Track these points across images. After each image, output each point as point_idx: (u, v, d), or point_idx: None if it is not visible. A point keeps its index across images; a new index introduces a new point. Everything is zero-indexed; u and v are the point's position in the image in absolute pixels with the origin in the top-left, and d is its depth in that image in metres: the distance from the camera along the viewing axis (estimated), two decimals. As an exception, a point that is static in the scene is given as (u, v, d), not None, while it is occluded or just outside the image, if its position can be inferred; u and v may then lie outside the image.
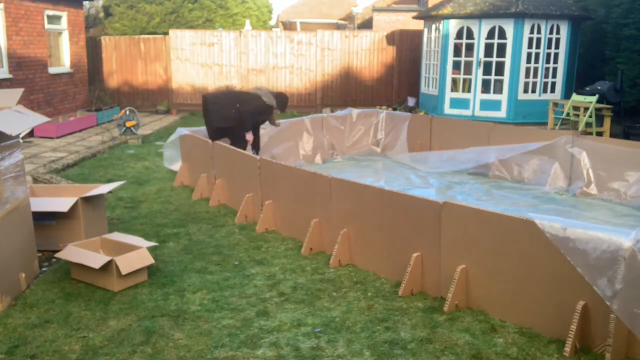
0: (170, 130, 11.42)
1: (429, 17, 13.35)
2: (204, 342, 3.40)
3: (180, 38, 15.15)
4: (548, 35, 12.11)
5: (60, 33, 12.79)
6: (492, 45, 12.26)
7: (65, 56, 12.98)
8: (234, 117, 7.00)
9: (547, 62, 12.23)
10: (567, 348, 3.20)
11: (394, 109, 13.98)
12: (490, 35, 12.23)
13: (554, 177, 7.29)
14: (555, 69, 12.34)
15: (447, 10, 12.53)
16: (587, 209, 6.43)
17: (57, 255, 4.43)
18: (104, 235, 4.72)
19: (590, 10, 13.05)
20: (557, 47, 12.25)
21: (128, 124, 10.36)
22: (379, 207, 4.43)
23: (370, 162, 9.00)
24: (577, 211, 6.29)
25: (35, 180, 7.21)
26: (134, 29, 17.14)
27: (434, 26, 13.35)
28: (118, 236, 4.68)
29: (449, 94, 12.86)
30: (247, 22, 17.56)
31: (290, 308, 3.87)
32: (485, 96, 12.47)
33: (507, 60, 12.10)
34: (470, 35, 12.47)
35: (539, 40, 12.08)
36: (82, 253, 4.30)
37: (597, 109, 9.71)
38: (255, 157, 5.82)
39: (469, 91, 12.66)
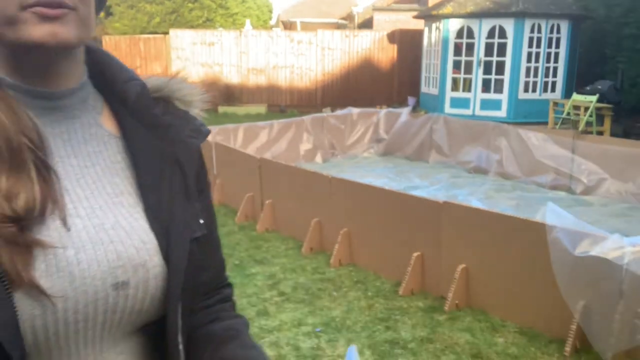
0: (170, 130, 11.41)
1: (430, 16, 13.35)
2: (204, 342, 3.40)
3: (180, 38, 15.16)
4: (548, 35, 12.10)
5: (60, 33, 12.80)
6: (492, 44, 12.25)
7: (65, 56, 12.99)
8: None
9: (548, 61, 12.22)
10: (568, 348, 3.20)
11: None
12: (491, 34, 12.23)
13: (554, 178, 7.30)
14: (555, 69, 12.33)
15: (447, 9, 12.53)
16: (587, 209, 6.42)
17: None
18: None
19: (591, 10, 13.05)
20: (557, 46, 12.24)
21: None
22: (379, 207, 4.43)
23: (370, 161, 9.00)
24: (577, 211, 6.28)
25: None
26: (134, 29, 17.16)
27: (434, 25, 13.34)
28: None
29: (449, 94, 12.86)
30: (248, 21, 17.58)
31: (291, 307, 3.87)
32: (486, 95, 12.46)
33: (508, 59, 12.09)
34: (470, 34, 12.47)
35: (539, 39, 12.07)
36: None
37: (597, 109, 9.70)
38: (255, 157, 5.82)
39: (469, 91, 12.65)
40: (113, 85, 0.82)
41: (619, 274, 3.04)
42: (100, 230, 0.72)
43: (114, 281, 0.70)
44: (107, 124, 0.81)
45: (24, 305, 0.64)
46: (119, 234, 0.73)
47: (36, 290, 0.64)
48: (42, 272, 0.65)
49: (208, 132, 0.87)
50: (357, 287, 4.22)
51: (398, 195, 4.36)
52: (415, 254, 4.07)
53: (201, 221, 0.82)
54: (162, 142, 0.81)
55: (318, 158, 8.82)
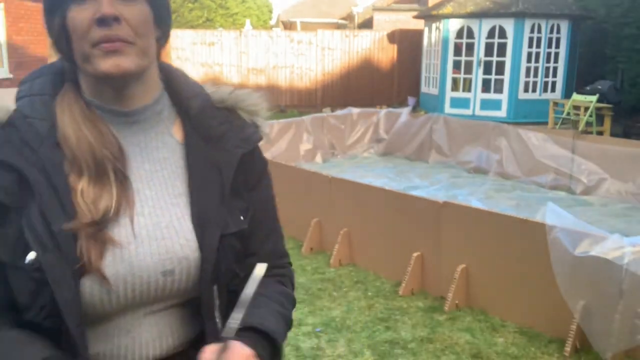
0: (170, 130, 11.41)
1: (430, 16, 13.35)
2: (204, 342, 3.40)
3: (180, 38, 15.15)
4: (548, 35, 12.10)
5: (60, 33, 12.80)
6: (492, 44, 12.25)
7: (65, 56, 12.99)
8: None
9: (548, 61, 12.21)
10: (568, 348, 3.20)
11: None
12: (491, 34, 12.23)
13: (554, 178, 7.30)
14: (555, 69, 12.33)
15: (447, 9, 12.53)
16: (587, 209, 6.42)
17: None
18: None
19: (591, 10, 13.05)
20: (557, 46, 12.24)
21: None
22: (379, 207, 4.43)
23: (370, 161, 9.00)
24: (577, 211, 6.28)
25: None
26: (134, 29, 17.17)
27: (434, 25, 13.34)
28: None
29: (449, 94, 12.86)
30: (248, 21, 17.58)
31: (291, 308, 3.87)
32: (486, 95, 12.46)
33: (508, 59, 12.08)
34: (470, 34, 12.46)
35: (539, 39, 12.07)
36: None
37: (597, 109, 9.70)
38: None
39: (469, 91, 12.65)
40: (180, 100, 1.00)
41: (619, 274, 3.04)
42: (156, 229, 0.92)
43: (163, 269, 0.91)
44: (177, 133, 1.00)
45: (94, 285, 0.86)
46: (169, 232, 0.93)
47: (101, 276, 0.86)
48: (110, 262, 0.87)
49: (258, 139, 1.03)
50: (357, 287, 4.22)
51: (398, 195, 4.36)
52: (415, 254, 4.07)
53: (242, 218, 0.99)
54: (213, 150, 0.98)
55: (318, 158, 8.81)
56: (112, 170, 0.90)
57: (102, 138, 0.91)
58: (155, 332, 0.94)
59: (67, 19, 0.87)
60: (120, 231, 0.89)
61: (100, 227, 0.87)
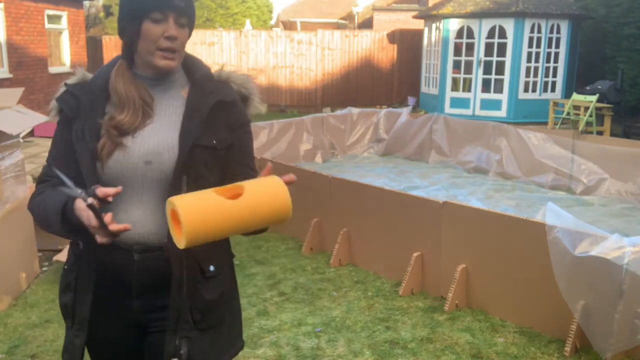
0: (170, 130, 11.39)
1: (430, 16, 13.35)
2: (204, 342, 3.39)
3: (180, 38, 15.12)
4: (548, 35, 12.10)
5: (60, 32, 12.79)
6: (492, 44, 12.26)
7: (65, 56, 12.98)
8: None
9: (548, 61, 12.22)
10: (568, 348, 3.20)
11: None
12: (491, 34, 12.23)
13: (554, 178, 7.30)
14: (555, 69, 12.33)
15: (447, 9, 12.53)
16: (587, 209, 6.42)
17: (57, 257, 4.42)
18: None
19: (591, 10, 13.05)
20: (557, 46, 12.25)
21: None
22: (379, 207, 4.43)
23: (370, 161, 9.00)
24: (577, 211, 6.28)
25: (36, 179, 7.20)
26: (134, 29, 17.14)
27: (434, 25, 13.35)
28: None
29: (449, 94, 12.86)
30: (247, 21, 17.56)
31: (291, 308, 3.87)
32: (486, 95, 12.47)
33: (508, 59, 12.09)
34: (470, 34, 12.47)
35: (539, 39, 12.08)
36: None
37: (597, 109, 9.70)
38: (255, 157, 5.80)
39: (469, 91, 12.65)
40: (191, 73, 1.62)
41: (619, 274, 3.04)
42: (148, 137, 1.53)
43: (145, 160, 1.51)
44: (184, 93, 1.60)
45: (102, 170, 1.51)
46: (156, 139, 1.53)
47: (102, 161, 1.51)
48: (118, 154, 1.51)
49: (232, 99, 1.60)
50: (357, 287, 4.22)
51: (398, 195, 4.36)
52: (415, 254, 4.07)
53: (214, 142, 1.55)
54: (202, 101, 1.56)
55: (318, 158, 8.80)
56: (142, 111, 1.54)
57: (140, 92, 1.55)
58: (141, 214, 1.52)
59: (142, 26, 1.48)
60: (128, 139, 1.52)
61: (118, 132, 1.50)
